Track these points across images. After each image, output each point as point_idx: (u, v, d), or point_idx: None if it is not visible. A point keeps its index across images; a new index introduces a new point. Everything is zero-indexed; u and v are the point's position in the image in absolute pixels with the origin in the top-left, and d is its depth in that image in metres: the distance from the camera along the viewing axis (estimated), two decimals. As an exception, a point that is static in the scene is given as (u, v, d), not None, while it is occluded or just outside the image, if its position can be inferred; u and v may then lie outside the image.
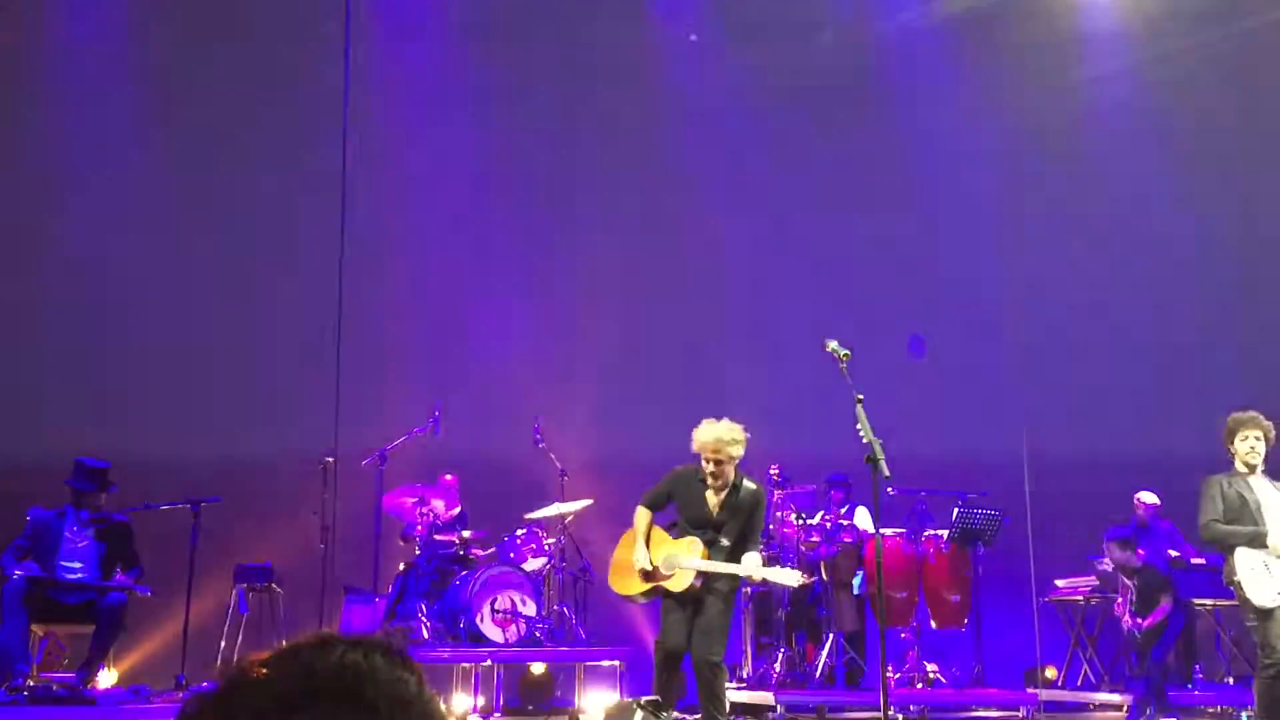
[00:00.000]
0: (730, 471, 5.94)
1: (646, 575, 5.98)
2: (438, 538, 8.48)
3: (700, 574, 5.90)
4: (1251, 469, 6.31)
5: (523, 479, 9.14)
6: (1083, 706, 8.85)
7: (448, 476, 8.79)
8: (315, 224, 9.29)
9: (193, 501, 8.17)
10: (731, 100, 10.75)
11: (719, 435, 5.88)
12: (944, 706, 8.41)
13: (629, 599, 6.25)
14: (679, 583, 5.89)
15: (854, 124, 10.98)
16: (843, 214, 10.79)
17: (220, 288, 9.50)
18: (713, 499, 5.99)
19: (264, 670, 1.26)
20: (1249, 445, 6.29)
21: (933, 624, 8.69)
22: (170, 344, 9.48)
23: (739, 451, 5.92)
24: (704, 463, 5.92)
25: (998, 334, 10.67)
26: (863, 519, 8.72)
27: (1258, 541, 6.12)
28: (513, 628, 7.93)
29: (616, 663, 7.97)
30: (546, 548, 8.50)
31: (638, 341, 9.86)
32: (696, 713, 6.05)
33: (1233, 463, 6.39)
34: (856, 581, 8.50)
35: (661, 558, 5.97)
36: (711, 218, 10.60)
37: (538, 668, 8.30)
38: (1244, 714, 8.02)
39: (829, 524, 8.48)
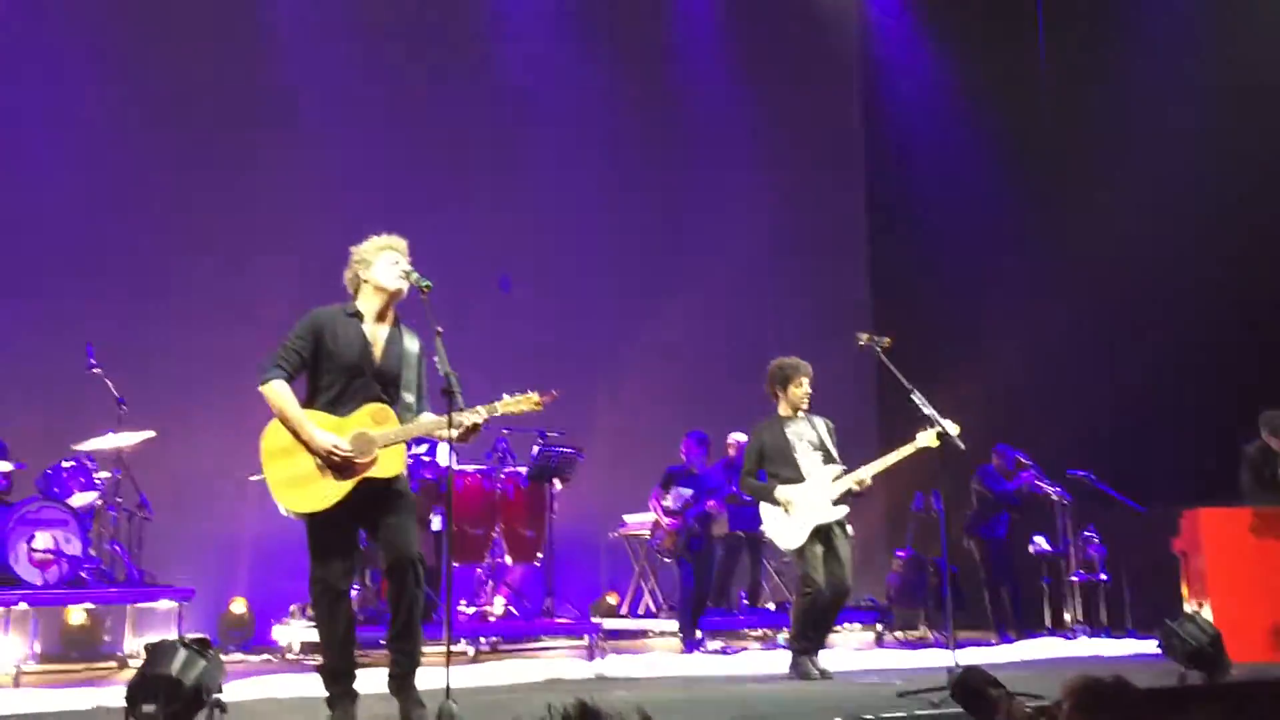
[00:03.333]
0: None
1: (341, 468, 4.32)
2: (-34, 471, 7.56)
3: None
4: (797, 412, 6.82)
5: (72, 407, 8.27)
6: (642, 633, 9.39)
7: (-19, 402, 7.85)
8: None
9: None
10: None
11: (391, 238, 4.61)
12: (514, 638, 8.61)
13: (316, 516, 4.32)
14: (389, 466, 4.37)
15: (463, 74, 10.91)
16: (435, 154, 10.61)
17: None
18: (376, 335, 4.54)
19: None
20: (804, 390, 6.78)
21: (508, 559, 8.85)
22: None
23: None
24: (391, 269, 4.51)
25: (592, 273, 10.98)
26: (444, 456, 8.67)
27: (771, 496, 6.60)
28: (54, 569, 7.25)
29: (173, 604, 7.51)
30: (98, 482, 7.81)
31: (206, 266, 9.13)
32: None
33: (777, 407, 6.86)
34: (436, 520, 8.47)
35: (349, 439, 4.36)
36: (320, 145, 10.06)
37: (78, 613, 7.62)
38: (780, 635, 8.83)
39: (410, 461, 8.36)
